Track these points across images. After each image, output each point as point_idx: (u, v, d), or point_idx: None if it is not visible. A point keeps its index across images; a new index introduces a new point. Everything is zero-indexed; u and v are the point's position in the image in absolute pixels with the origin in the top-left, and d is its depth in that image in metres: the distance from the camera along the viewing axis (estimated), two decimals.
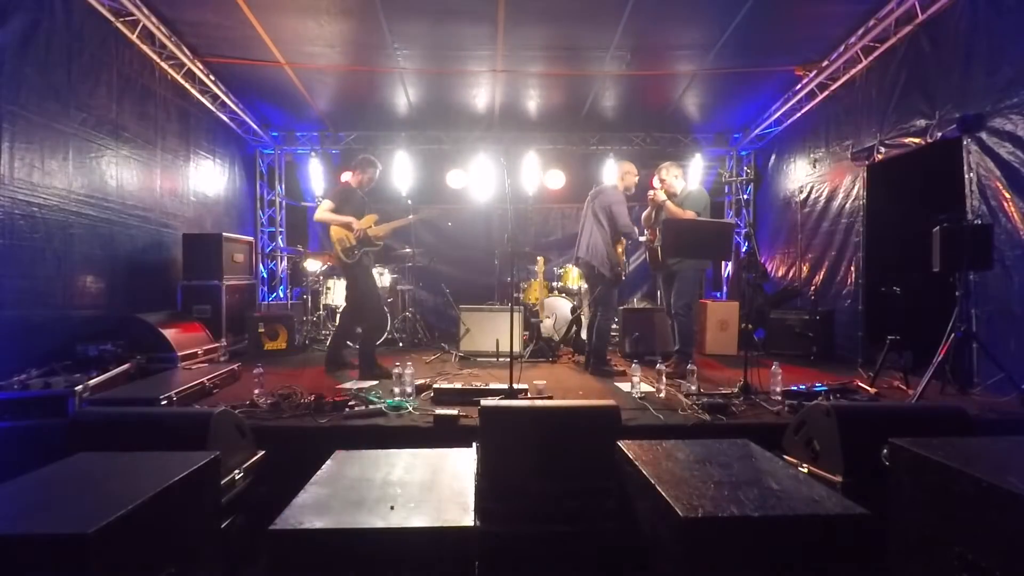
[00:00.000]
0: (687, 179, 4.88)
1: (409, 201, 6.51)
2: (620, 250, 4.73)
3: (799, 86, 6.11)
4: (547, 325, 5.90)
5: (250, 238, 6.28)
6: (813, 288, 6.10)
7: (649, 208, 4.77)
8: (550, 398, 3.49)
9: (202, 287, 5.31)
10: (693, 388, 3.66)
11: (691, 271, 4.58)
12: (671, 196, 4.63)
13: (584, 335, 5.32)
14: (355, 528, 1.53)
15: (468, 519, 1.58)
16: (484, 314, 5.58)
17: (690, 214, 4.46)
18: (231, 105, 6.55)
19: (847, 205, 5.63)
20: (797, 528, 1.57)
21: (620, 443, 2.22)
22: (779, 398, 3.44)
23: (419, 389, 3.72)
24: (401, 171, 7.64)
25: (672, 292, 4.63)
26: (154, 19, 4.85)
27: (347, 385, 4.02)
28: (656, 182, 4.68)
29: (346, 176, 4.79)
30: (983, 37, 3.95)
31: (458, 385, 3.70)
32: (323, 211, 4.47)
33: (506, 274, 5.80)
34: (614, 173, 4.90)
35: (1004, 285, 3.76)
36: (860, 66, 5.25)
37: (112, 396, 3.33)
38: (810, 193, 6.34)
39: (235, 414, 2.61)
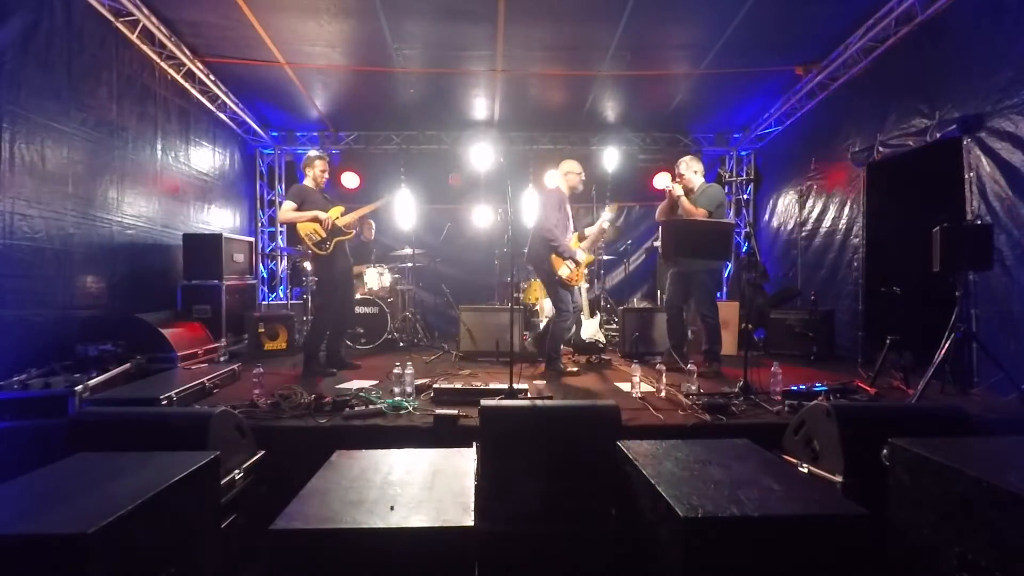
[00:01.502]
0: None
1: (406, 192, 6.56)
2: (583, 244, 4.63)
3: (799, 86, 6.11)
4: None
5: (250, 238, 6.28)
6: (813, 288, 6.10)
7: (665, 202, 4.67)
8: (550, 398, 3.48)
9: (202, 287, 5.30)
10: (693, 388, 3.66)
11: (702, 272, 4.50)
12: (688, 192, 4.54)
13: (583, 335, 5.31)
14: (355, 528, 1.53)
15: (468, 519, 1.58)
16: (484, 314, 5.58)
17: (702, 212, 4.38)
18: (231, 105, 6.55)
19: (847, 205, 5.63)
20: (797, 528, 1.57)
21: (620, 443, 2.22)
22: (779, 398, 3.43)
23: (419, 389, 3.72)
24: (400, 171, 7.67)
25: (686, 293, 4.58)
26: (154, 19, 4.85)
27: (347, 385, 4.02)
28: (672, 185, 4.55)
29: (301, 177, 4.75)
30: (983, 37, 3.95)
31: (458, 385, 3.70)
32: (286, 212, 4.50)
33: (506, 274, 5.80)
34: (557, 174, 4.67)
35: (1004, 285, 3.76)
36: (860, 66, 5.25)
37: (112, 396, 3.33)
38: (810, 193, 6.34)
39: (235, 414, 2.60)
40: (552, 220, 4.43)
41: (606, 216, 4.80)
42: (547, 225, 4.41)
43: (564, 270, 4.45)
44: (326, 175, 4.70)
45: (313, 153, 4.71)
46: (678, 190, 4.49)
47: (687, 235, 3.98)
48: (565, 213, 4.56)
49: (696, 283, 4.52)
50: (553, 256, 4.45)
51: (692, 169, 4.60)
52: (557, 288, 4.51)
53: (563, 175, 4.59)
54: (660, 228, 4.31)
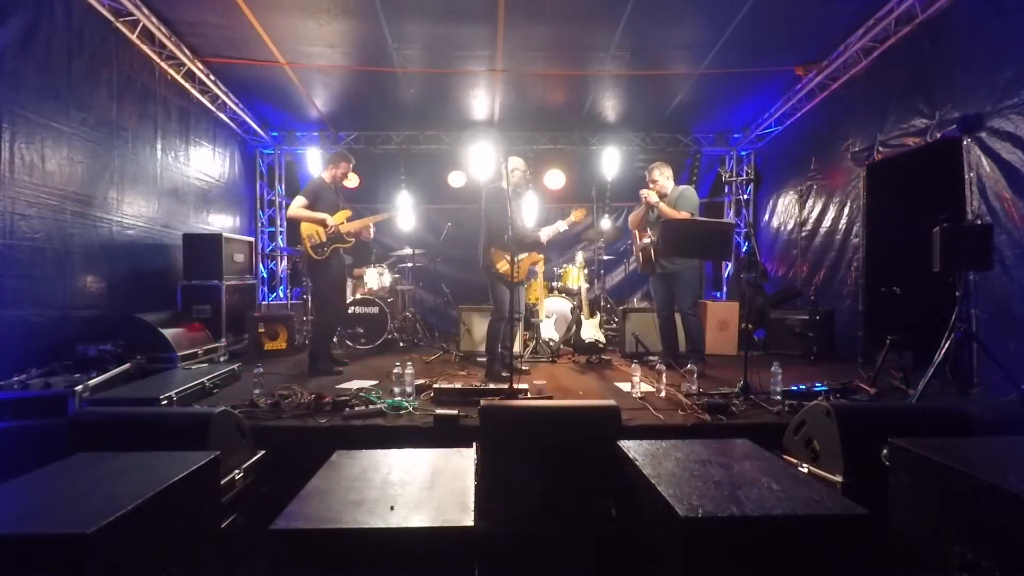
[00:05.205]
0: (676, 180, 4.83)
1: (410, 202, 6.56)
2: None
3: (799, 86, 6.10)
4: (547, 325, 5.89)
5: (250, 238, 6.27)
6: (813, 288, 6.10)
7: (642, 208, 4.72)
8: (550, 398, 3.48)
9: (202, 287, 5.30)
10: (693, 388, 3.66)
11: (689, 271, 4.56)
12: (662, 196, 4.60)
13: (583, 335, 5.31)
14: (355, 528, 1.53)
15: (468, 519, 1.58)
16: (484, 314, 5.55)
17: (685, 214, 4.43)
18: (231, 105, 6.55)
19: (847, 205, 5.62)
20: (797, 528, 1.57)
21: (620, 443, 2.22)
22: (779, 398, 3.43)
23: (419, 389, 3.72)
24: (401, 171, 7.67)
25: (673, 295, 4.60)
26: (154, 19, 4.85)
27: (347, 385, 4.02)
28: (647, 191, 4.59)
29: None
30: (983, 37, 3.94)
31: (458, 385, 3.70)
32: (296, 208, 4.51)
33: None
34: (507, 170, 4.33)
35: (1004, 285, 3.76)
36: (860, 66, 5.25)
37: (112, 396, 3.33)
38: (810, 193, 6.33)
39: (235, 414, 2.61)
40: (504, 218, 4.11)
41: (569, 219, 4.58)
42: (501, 224, 4.13)
43: (503, 264, 4.22)
44: (347, 176, 4.81)
45: (342, 153, 4.78)
46: (653, 197, 4.54)
47: (689, 234, 3.98)
48: (507, 209, 4.17)
49: (683, 282, 4.54)
50: (493, 250, 4.28)
51: (665, 175, 4.66)
52: (495, 284, 4.37)
53: (511, 171, 4.32)
54: (662, 228, 4.30)
